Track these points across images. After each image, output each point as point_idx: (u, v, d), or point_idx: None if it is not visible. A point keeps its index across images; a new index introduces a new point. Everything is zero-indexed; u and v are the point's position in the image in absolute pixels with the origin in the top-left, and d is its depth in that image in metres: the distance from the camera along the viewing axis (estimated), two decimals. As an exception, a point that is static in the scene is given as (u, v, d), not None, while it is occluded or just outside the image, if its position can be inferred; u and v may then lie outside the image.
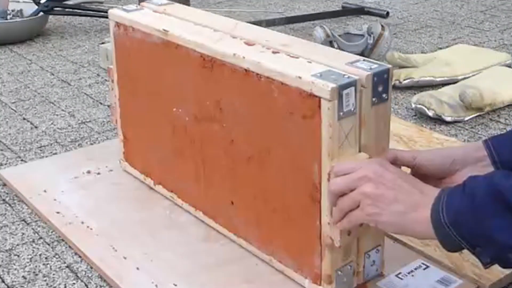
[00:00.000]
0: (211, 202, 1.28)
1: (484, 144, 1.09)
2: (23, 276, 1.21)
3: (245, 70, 1.10)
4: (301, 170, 1.05)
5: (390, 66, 1.03)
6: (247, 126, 1.14)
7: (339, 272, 1.07)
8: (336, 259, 1.06)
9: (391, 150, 1.08)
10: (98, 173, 1.51)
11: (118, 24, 1.39)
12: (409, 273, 1.16)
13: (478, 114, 1.79)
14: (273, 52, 1.11)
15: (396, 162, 1.07)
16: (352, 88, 0.99)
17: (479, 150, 1.08)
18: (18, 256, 1.27)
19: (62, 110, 1.91)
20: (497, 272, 1.15)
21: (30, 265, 1.24)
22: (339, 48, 2.11)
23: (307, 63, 1.06)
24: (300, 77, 1.02)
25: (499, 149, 1.07)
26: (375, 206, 0.96)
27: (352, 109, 1.00)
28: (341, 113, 0.99)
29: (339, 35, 2.20)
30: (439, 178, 1.09)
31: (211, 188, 1.27)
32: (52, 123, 1.82)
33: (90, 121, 1.83)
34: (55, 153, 1.65)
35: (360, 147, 1.03)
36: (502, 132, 1.69)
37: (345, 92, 0.98)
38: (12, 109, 1.93)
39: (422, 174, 1.09)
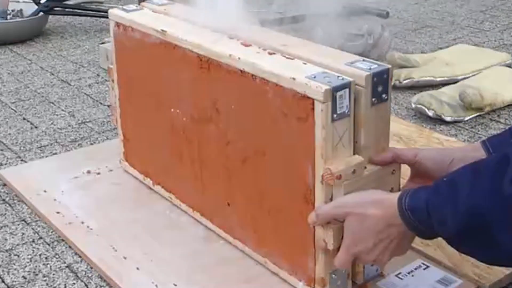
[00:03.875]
0: (208, 203, 1.28)
1: (482, 145, 1.10)
2: (23, 276, 1.21)
3: (241, 71, 1.10)
4: (295, 171, 1.05)
5: (390, 66, 1.03)
6: (243, 127, 1.14)
7: (333, 275, 1.07)
8: (330, 262, 1.05)
9: (392, 148, 1.08)
10: (98, 173, 1.51)
11: (118, 24, 1.39)
12: (409, 273, 1.16)
13: (478, 114, 1.79)
14: (269, 53, 1.11)
15: (397, 160, 1.07)
16: (346, 90, 0.98)
17: (478, 151, 1.09)
18: (18, 256, 1.27)
19: (62, 110, 1.91)
20: (497, 272, 1.15)
21: (30, 265, 1.24)
22: (339, 48, 2.10)
23: (302, 65, 1.06)
24: (294, 79, 1.01)
25: (496, 149, 1.08)
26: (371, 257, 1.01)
27: (346, 111, 0.99)
28: (335, 115, 0.98)
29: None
30: (438, 177, 1.09)
31: (208, 189, 1.27)
32: (52, 123, 1.82)
33: (90, 121, 1.83)
34: (55, 153, 1.65)
35: (360, 147, 1.04)
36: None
37: (338, 94, 0.98)
38: (12, 109, 1.93)
39: (422, 171, 1.10)
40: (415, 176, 1.13)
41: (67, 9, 2.66)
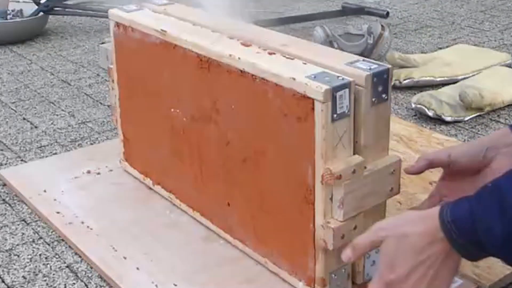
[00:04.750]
0: (208, 203, 1.28)
1: (510, 129, 1.08)
2: (23, 276, 1.21)
3: (241, 71, 1.10)
4: (295, 172, 1.05)
5: (390, 66, 1.03)
6: (243, 127, 1.14)
7: (333, 276, 1.07)
8: (330, 262, 1.06)
9: (424, 155, 1.05)
10: (98, 173, 1.51)
11: (118, 24, 1.39)
12: (409, 273, 1.15)
13: (478, 114, 1.79)
14: (269, 53, 1.11)
15: (432, 166, 1.05)
16: (346, 90, 0.99)
17: (507, 135, 1.07)
18: (18, 256, 1.27)
19: (62, 110, 1.91)
20: (497, 272, 1.15)
21: (30, 265, 1.24)
22: (339, 48, 2.11)
23: (302, 65, 1.06)
24: (294, 79, 1.01)
25: None
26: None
27: (346, 111, 0.99)
28: (335, 115, 0.98)
29: (339, 35, 2.20)
30: (476, 171, 1.08)
31: (208, 189, 1.27)
32: (52, 123, 1.82)
33: (90, 121, 1.83)
34: (55, 153, 1.65)
35: (360, 147, 1.04)
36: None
37: (338, 94, 0.98)
38: (12, 109, 1.93)
39: (456, 170, 1.08)
40: (447, 175, 1.10)
41: (67, 9, 2.66)
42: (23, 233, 1.34)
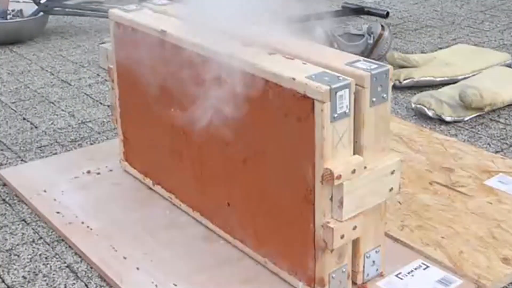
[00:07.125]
0: (208, 203, 1.28)
1: None
2: (23, 276, 1.21)
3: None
4: (295, 172, 1.05)
5: (389, 66, 1.03)
6: (243, 127, 1.14)
7: (333, 276, 1.07)
8: (330, 262, 1.06)
9: None
10: (98, 173, 1.51)
11: (118, 24, 1.39)
12: (409, 273, 1.16)
13: (478, 114, 1.79)
14: (269, 53, 1.11)
15: None
16: (346, 90, 0.99)
17: None
18: (18, 256, 1.27)
19: (62, 110, 1.91)
20: (497, 272, 1.15)
21: (30, 265, 1.24)
22: (339, 48, 2.11)
23: (302, 65, 1.06)
24: (294, 79, 1.01)
25: None
26: None
27: (346, 111, 0.99)
28: (335, 115, 0.98)
29: (339, 35, 2.20)
30: None
31: (208, 189, 1.27)
32: (52, 123, 1.82)
33: (90, 121, 1.83)
34: (55, 153, 1.65)
35: (360, 147, 1.04)
36: (502, 132, 1.70)
37: (338, 94, 0.98)
38: (12, 109, 1.93)
39: None
40: None
41: (67, 9, 2.66)
42: (23, 233, 1.34)
